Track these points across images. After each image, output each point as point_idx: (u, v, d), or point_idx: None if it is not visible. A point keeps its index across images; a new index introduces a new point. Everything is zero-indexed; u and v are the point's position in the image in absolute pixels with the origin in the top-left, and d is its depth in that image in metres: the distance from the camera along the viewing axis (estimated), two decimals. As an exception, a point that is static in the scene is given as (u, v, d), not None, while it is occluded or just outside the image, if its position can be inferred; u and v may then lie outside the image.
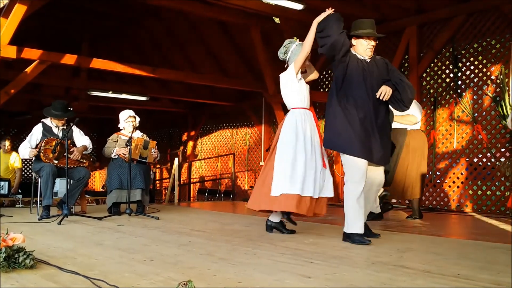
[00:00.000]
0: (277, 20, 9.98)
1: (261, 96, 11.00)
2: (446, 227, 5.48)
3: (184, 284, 1.98)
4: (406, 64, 8.61)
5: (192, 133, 14.27)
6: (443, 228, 5.21)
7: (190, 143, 14.26)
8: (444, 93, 7.91)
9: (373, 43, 3.81)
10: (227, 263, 2.83)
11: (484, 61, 7.40)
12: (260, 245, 3.57)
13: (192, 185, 13.77)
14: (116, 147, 6.02)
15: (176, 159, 8.75)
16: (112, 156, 6.02)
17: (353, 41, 3.83)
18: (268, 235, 4.15)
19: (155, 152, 6.13)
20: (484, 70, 7.40)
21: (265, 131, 11.58)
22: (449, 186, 7.76)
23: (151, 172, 6.90)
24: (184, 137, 14.58)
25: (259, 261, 2.90)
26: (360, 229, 3.68)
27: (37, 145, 5.48)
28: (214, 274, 2.52)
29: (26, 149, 5.46)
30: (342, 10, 8.19)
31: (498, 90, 7.12)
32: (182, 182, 13.21)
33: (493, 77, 7.25)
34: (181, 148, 14.35)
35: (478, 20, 7.47)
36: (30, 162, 13.41)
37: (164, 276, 2.45)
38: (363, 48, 3.80)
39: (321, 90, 10.26)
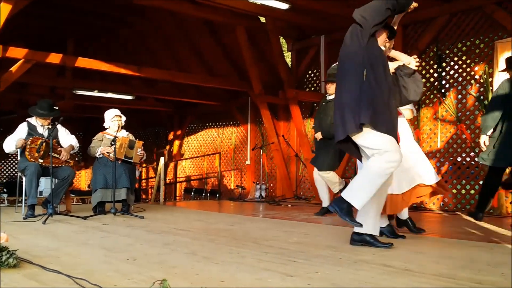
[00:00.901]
0: (263, 19, 10.01)
1: (247, 95, 11.02)
2: (428, 226, 5.53)
3: (159, 283, 1.99)
4: (391, 64, 8.68)
5: (179, 132, 14.23)
6: (426, 227, 5.24)
7: (177, 142, 14.23)
8: (428, 92, 7.99)
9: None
10: (211, 262, 2.85)
11: (468, 61, 7.49)
12: (244, 244, 3.59)
13: (178, 184, 13.74)
14: (101, 146, 6.00)
15: (162, 158, 8.72)
16: (97, 155, 6.00)
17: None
18: (253, 234, 4.17)
19: (141, 153, 6.11)
20: (468, 69, 7.48)
21: (251, 130, 11.59)
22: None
23: (136, 171, 6.88)
24: (171, 136, 14.53)
25: (243, 260, 2.91)
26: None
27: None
28: (197, 273, 2.53)
29: (12, 141, 5.43)
30: (327, 10, 8.31)
31: (482, 89, 7.21)
32: (168, 181, 13.17)
33: (477, 76, 7.34)
34: (167, 147, 14.30)
35: (461, 20, 7.55)
36: (15, 162, 13.28)
37: (147, 275, 2.46)
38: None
39: (307, 89, 10.30)
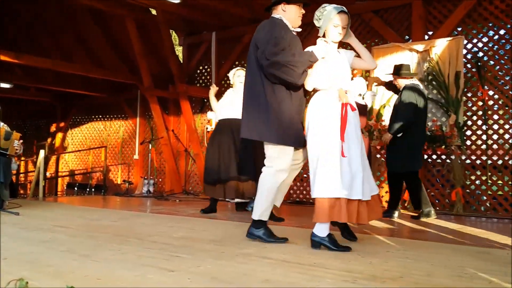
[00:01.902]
0: (153, 11, 9.82)
1: (136, 88, 10.74)
2: (303, 219, 5.75)
3: (14, 282, 1.88)
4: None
5: (62, 124, 13.49)
6: (307, 220, 5.46)
7: (59, 135, 13.47)
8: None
9: None
10: (89, 259, 2.74)
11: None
12: (127, 240, 3.51)
13: (60, 179, 13.03)
14: (-30, 137, 5.50)
15: (42, 151, 8.22)
16: (-34, 147, 5.49)
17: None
18: (137, 230, 4.08)
19: (18, 145, 5.71)
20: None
21: (140, 124, 11.33)
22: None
23: (14, 164, 6.40)
24: (53, 129, 13.73)
25: (123, 257, 2.84)
26: (266, 217, 3.53)
27: None
28: (73, 271, 2.42)
29: None
30: (218, 7, 8.35)
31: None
32: (49, 175, 12.44)
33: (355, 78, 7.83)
34: (49, 140, 13.50)
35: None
36: None
37: (17, 275, 2.30)
38: None
39: (198, 84, 10.29)
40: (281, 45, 3.28)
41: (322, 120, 3.25)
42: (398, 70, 5.62)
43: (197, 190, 9.78)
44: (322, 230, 3.23)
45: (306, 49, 3.42)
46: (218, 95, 6.07)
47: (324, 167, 3.15)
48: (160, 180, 10.79)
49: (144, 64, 9.61)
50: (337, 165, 3.13)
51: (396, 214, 5.59)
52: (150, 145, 10.08)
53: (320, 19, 3.41)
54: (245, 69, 5.22)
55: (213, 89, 5.97)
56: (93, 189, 10.96)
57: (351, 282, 2.31)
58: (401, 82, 5.59)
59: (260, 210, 3.46)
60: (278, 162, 3.40)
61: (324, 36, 3.46)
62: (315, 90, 3.42)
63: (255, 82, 3.42)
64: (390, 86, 5.92)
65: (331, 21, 3.36)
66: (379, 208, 3.39)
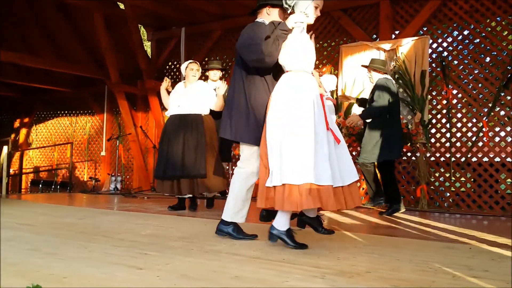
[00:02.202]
0: (121, 6, 9.68)
1: (103, 83, 10.56)
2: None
3: None
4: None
5: (26, 119, 13.16)
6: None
7: (23, 131, 13.14)
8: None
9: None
10: (54, 258, 2.69)
11: (317, 62, 8.03)
12: (94, 238, 3.45)
13: (24, 176, 12.72)
14: None
15: (5, 148, 8.01)
16: None
17: None
18: (104, 228, 4.02)
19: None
20: (316, 70, 8.02)
21: (107, 120, 11.15)
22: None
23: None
24: (16, 124, 13.38)
25: (90, 255, 2.80)
26: (242, 219, 3.51)
27: None
28: (38, 270, 2.37)
29: None
30: (187, 3, 8.29)
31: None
32: (12, 172, 12.13)
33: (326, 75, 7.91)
34: (13, 135, 13.15)
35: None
36: None
37: (-21, 275, 2.25)
38: None
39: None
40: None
41: (291, 103, 3.10)
42: (374, 63, 5.66)
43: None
44: (282, 223, 3.18)
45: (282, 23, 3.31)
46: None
47: (294, 152, 3.00)
48: (127, 177, 10.65)
49: (112, 59, 9.46)
50: (309, 151, 2.99)
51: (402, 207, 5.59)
52: (117, 141, 9.94)
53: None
54: (198, 63, 5.69)
55: (166, 82, 5.71)
56: (58, 186, 10.74)
57: (320, 277, 2.34)
58: (375, 76, 5.61)
59: (232, 211, 3.45)
60: (251, 164, 3.40)
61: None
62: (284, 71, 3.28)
63: (239, 88, 3.39)
64: (362, 102, 5.88)
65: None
66: (358, 195, 3.24)
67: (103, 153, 11.11)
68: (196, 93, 5.48)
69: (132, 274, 2.33)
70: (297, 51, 3.20)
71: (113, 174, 9.97)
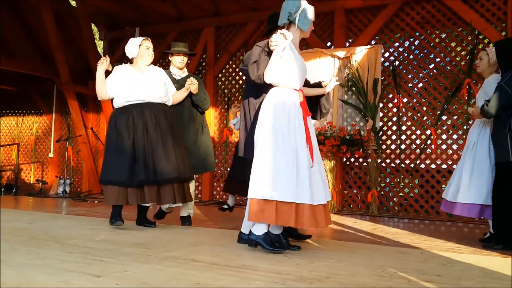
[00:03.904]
0: (73, 3, 9.42)
1: (52, 82, 10.22)
2: (237, 220, 5.77)
3: None
4: (204, 63, 8.93)
5: (-33, 118, 12.56)
6: (233, 221, 5.48)
7: (-35, 130, 12.53)
8: (237, 93, 8.42)
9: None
10: (4, 265, 2.57)
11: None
12: (45, 244, 3.33)
13: (-35, 177, 12.11)
14: None
15: None
16: None
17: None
18: (54, 233, 3.89)
19: None
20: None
21: (56, 120, 10.80)
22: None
23: None
24: (-43, 123, 12.74)
25: (43, 262, 2.70)
26: None
27: None
28: (-12, 279, 2.26)
29: None
30: (141, 2, 8.16)
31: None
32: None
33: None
34: (-48, 135, 12.50)
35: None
36: None
37: None
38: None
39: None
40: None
41: (269, 119, 3.23)
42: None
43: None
44: (260, 228, 3.24)
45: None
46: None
47: (260, 167, 3.15)
48: (76, 180, 10.35)
49: (62, 58, 9.16)
50: (273, 167, 3.11)
51: None
52: (67, 143, 9.65)
53: (294, 12, 3.36)
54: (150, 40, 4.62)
55: (106, 61, 4.56)
56: (2, 189, 10.28)
57: (280, 283, 2.35)
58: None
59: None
60: None
61: (288, 30, 3.42)
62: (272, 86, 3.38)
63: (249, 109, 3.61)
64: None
65: (310, 16, 3.40)
66: (329, 216, 3.33)
67: (51, 155, 10.74)
68: (157, 78, 4.47)
69: (90, 282, 2.26)
70: (278, 68, 3.28)
71: (61, 176, 9.66)
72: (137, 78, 4.39)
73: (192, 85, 4.55)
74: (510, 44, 4.04)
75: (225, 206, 5.84)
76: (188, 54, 5.02)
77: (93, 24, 10.50)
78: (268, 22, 3.87)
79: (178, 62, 4.92)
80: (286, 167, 3.12)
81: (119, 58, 9.89)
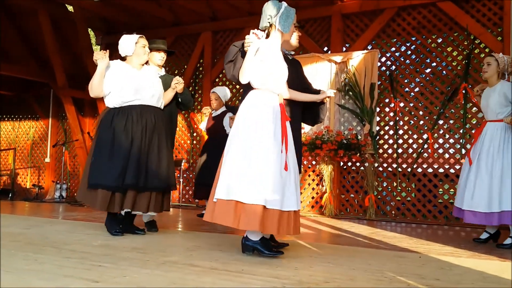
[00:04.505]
0: (70, 8, 9.42)
1: (48, 87, 10.20)
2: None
3: None
4: (201, 68, 8.94)
5: (-36, 123, 12.51)
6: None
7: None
8: (234, 98, 8.43)
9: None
10: (2, 271, 2.56)
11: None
12: (43, 249, 3.32)
13: (-40, 182, 12.06)
14: None
15: None
16: None
17: None
18: (52, 238, 3.87)
19: None
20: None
21: (53, 125, 10.77)
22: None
23: None
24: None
25: (41, 267, 2.69)
26: None
27: None
28: (-14, 284, 2.25)
29: None
30: (138, 7, 8.17)
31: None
32: None
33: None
34: None
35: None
36: None
37: None
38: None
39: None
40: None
41: (249, 122, 3.19)
42: None
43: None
44: (256, 234, 3.22)
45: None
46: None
47: (251, 172, 3.08)
48: (73, 184, 10.32)
49: (58, 62, 9.15)
50: (261, 172, 3.08)
51: None
52: (63, 148, 9.62)
53: (274, 15, 3.34)
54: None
55: (105, 55, 4.16)
56: (-2, 194, 10.24)
57: (279, 288, 2.35)
58: None
59: None
60: None
61: (269, 32, 3.41)
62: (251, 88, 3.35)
63: None
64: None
65: (292, 19, 3.39)
66: (298, 224, 3.29)
67: (47, 160, 10.71)
68: (155, 79, 4.33)
69: (88, 288, 2.26)
70: (255, 70, 3.26)
71: (58, 181, 9.63)
72: (136, 79, 4.18)
73: (179, 84, 4.46)
74: None
75: (204, 212, 5.77)
76: (167, 51, 4.83)
77: (89, 29, 10.49)
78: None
79: (158, 59, 4.70)
80: (258, 170, 3.07)
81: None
